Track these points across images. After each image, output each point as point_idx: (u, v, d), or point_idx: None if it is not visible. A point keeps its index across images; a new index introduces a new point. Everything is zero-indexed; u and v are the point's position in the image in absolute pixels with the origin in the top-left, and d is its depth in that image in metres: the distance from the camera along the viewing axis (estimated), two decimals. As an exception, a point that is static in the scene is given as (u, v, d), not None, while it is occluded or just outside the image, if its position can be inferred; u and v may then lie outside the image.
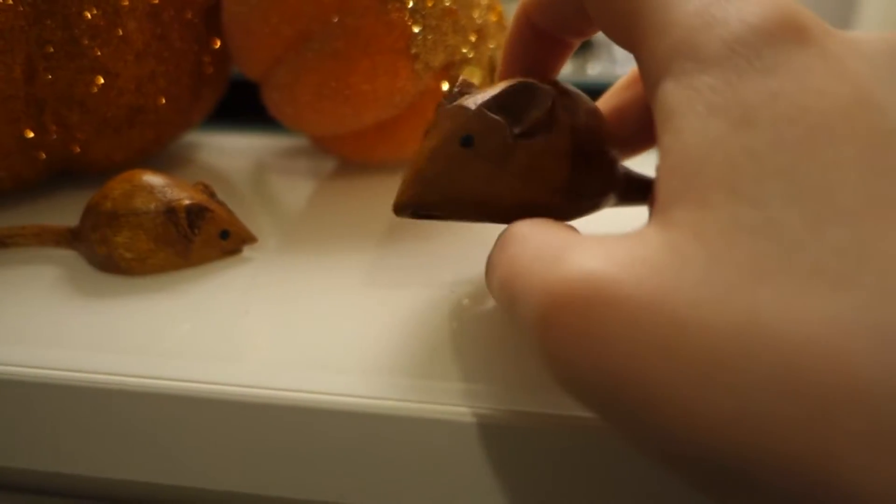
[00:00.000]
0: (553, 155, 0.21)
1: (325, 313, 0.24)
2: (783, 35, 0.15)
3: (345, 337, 0.23)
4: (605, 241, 0.15)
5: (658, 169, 0.16)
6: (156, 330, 0.23)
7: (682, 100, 0.15)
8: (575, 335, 0.14)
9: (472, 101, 0.21)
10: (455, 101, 0.22)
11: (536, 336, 0.14)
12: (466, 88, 0.22)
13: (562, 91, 0.22)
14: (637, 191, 0.25)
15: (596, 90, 0.44)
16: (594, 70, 0.48)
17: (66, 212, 0.32)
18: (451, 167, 0.21)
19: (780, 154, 0.14)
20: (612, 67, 0.48)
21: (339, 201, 0.34)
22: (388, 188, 0.35)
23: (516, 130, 0.21)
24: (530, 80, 0.21)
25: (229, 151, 0.41)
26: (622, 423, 0.14)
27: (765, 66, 0.14)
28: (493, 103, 0.21)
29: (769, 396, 0.12)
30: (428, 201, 0.21)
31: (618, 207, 0.25)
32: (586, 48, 0.55)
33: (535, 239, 0.17)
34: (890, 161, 0.13)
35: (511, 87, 0.21)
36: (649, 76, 0.16)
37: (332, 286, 0.26)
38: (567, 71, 0.47)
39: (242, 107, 0.44)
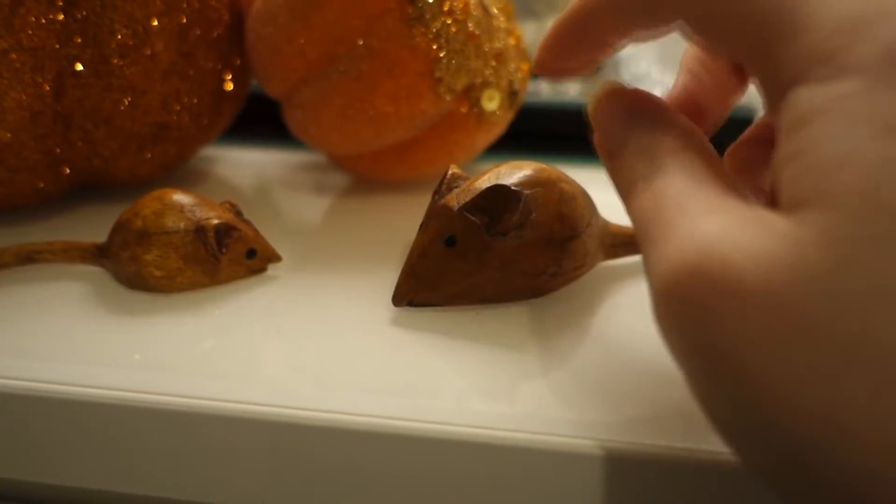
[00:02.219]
0: (528, 247, 0.25)
1: (350, 333, 0.25)
2: None
3: (371, 357, 0.23)
4: (741, 217, 0.15)
5: (780, 168, 0.15)
6: (184, 348, 0.24)
7: (820, 106, 0.15)
8: (694, 309, 0.14)
9: (457, 201, 0.25)
10: (445, 195, 0.26)
11: (658, 292, 0.16)
12: (455, 182, 0.26)
13: (537, 183, 0.25)
14: (623, 246, 0.28)
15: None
16: (603, 91, 0.48)
17: (87, 226, 0.32)
18: (438, 265, 0.25)
19: None
20: (621, 89, 0.49)
21: (357, 218, 0.34)
22: (405, 205, 0.35)
23: (492, 232, 0.24)
24: (504, 183, 0.24)
25: (245, 165, 0.41)
26: (714, 402, 0.15)
27: None
28: (472, 206, 0.25)
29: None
30: (420, 295, 0.26)
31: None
32: (595, 70, 0.55)
33: (686, 184, 0.17)
34: None
35: (488, 190, 0.24)
36: (776, 83, 0.16)
37: (355, 305, 0.26)
38: (575, 92, 0.48)
39: (256, 121, 0.44)
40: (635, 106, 0.21)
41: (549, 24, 0.54)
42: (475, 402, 0.21)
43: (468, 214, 0.25)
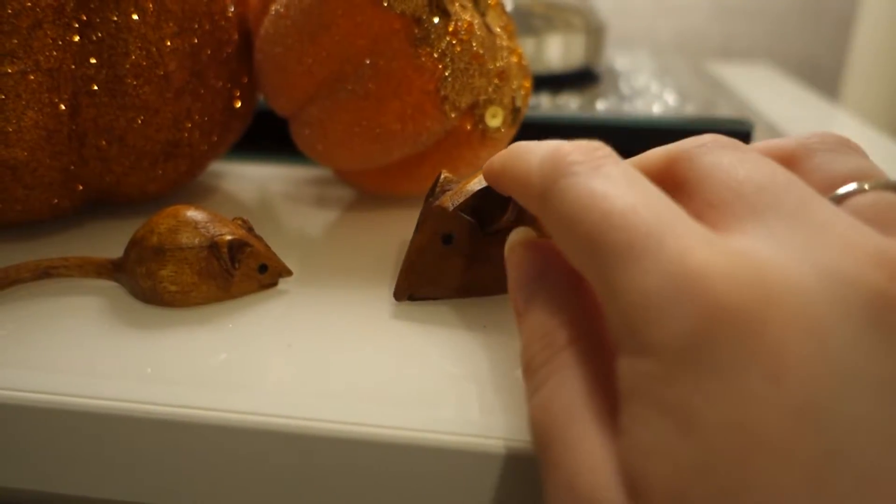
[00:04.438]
0: None
1: (360, 346, 0.25)
2: (729, 330, 0.14)
3: (379, 370, 0.24)
4: (601, 455, 0.16)
5: (619, 435, 0.16)
6: (198, 362, 0.24)
7: (631, 384, 0.15)
8: None
9: (451, 202, 0.27)
10: (438, 197, 0.27)
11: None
12: (447, 185, 0.28)
13: None
14: None
15: (604, 127, 0.45)
16: (602, 106, 0.49)
17: (99, 241, 0.33)
18: (436, 261, 0.27)
19: (721, 472, 0.14)
20: (620, 104, 0.49)
21: (359, 229, 0.35)
22: (409, 219, 0.36)
23: (487, 229, 0.26)
24: None
25: (251, 179, 0.42)
26: None
27: (708, 365, 0.14)
28: (466, 205, 0.26)
29: None
30: (420, 289, 0.28)
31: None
32: (594, 84, 0.56)
33: (569, 404, 0.18)
34: (832, 488, 0.13)
35: (481, 190, 0.26)
36: (610, 329, 0.17)
37: (364, 319, 0.27)
38: (575, 106, 0.49)
39: (262, 136, 0.45)
40: (544, 264, 0.22)
41: (548, 39, 0.55)
42: (476, 411, 0.22)
43: (463, 214, 0.26)
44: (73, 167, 0.31)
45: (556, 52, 0.56)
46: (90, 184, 0.32)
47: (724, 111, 0.48)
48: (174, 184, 0.35)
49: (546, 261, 0.22)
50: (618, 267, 0.16)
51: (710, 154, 0.19)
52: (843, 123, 0.61)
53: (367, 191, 0.39)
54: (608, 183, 0.17)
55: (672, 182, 0.20)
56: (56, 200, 0.32)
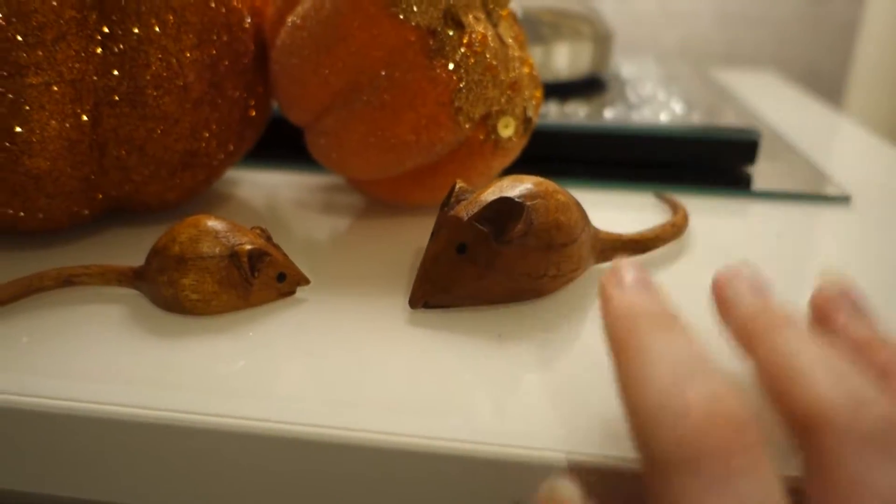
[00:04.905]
0: (531, 253, 0.27)
1: (377, 354, 0.26)
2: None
3: (397, 378, 0.24)
4: None
5: None
6: (219, 369, 0.25)
7: None
8: None
9: (466, 212, 0.27)
10: (453, 207, 0.28)
11: None
12: (462, 195, 0.29)
13: (536, 195, 0.27)
14: (611, 250, 0.32)
15: (612, 135, 0.46)
16: (610, 114, 0.50)
17: (116, 247, 0.34)
18: (450, 270, 0.28)
19: None
20: (628, 112, 0.50)
21: (372, 236, 0.36)
22: (422, 227, 0.37)
23: (500, 239, 0.27)
24: (508, 195, 0.27)
25: (265, 186, 0.43)
26: None
27: None
28: (480, 216, 0.27)
29: None
30: (435, 297, 0.29)
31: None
32: (601, 92, 0.57)
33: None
34: None
35: (494, 202, 0.27)
36: None
37: (380, 327, 0.27)
38: (583, 114, 0.49)
39: (274, 143, 0.46)
40: (656, 318, 0.19)
41: (556, 47, 0.56)
42: (487, 418, 0.22)
43: (477, 224, 0.27)
44: (93, 176, 0.31)
45: (564, 59, 0.56)
46: (109, 192, 0.33)
47: (730, 120, 0.49)
48: (191, 192, 0.36)
49: (663, 319, 0.19)
50: None
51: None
52: (848, 131, 0.62)
53: (380, 199, 0.40)
54: None
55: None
56: (76, 209, 0.32)
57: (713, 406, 0.15)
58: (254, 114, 0.37)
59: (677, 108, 0.51)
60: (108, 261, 0.33)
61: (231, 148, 0.36)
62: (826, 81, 0.95)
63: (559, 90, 0.56)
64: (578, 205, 0.30)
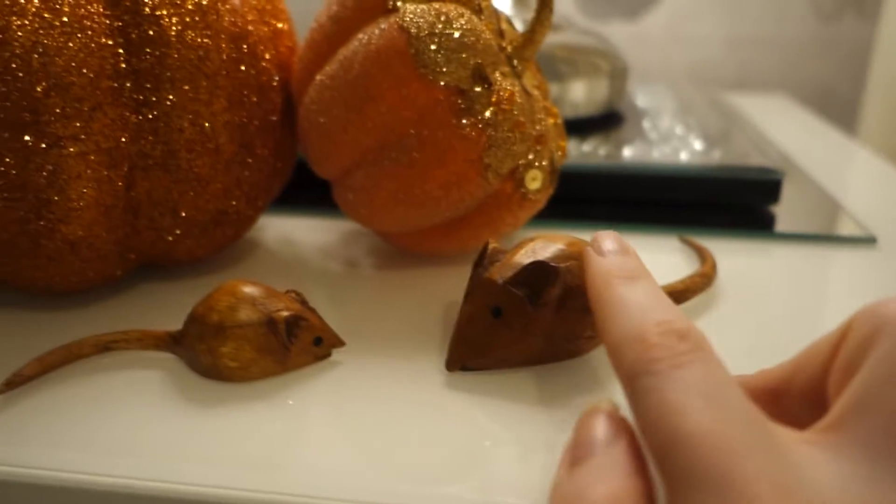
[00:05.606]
0: (566, 315, 0.27)
1: (414, 422, 0.26)
2: None
3: (436, 445, 0.24)
4: None
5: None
6: (257, 441, 0.25)
7: None
8: None
9: (500, 275, 0.28)
10: (487, 269, 0.28)
11: None
12: (495, 256, 0.29)
13: (569, 256, 0.27)
14: None
15: (633, 176, 0.46)
16: (629, 152, 0.50)
17: (147, 303, 0.34)
18: (486, 333, 0.28)
19: None
20: (647, 150, 0.50)
21: (406, 289, 0.36)
22: (449, 277, 0.37)
23: (535, 303, 0.27)
24: (542, 259, 0.27)
25: (288, 232, 0.43)
26: None
27: None
28: (515, 281, 0.27)
29: None
30: (471, 360, 0.29)
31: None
32: (619, 126, 0.57)
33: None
34: None
35: (528, 266, 0.27)
36: None
37: (417, 391, 0.28)
38: (603, 153, 0.50)
39: (298, 188, 0.46)
40: (615, 433, 0.21)
41: (573, 84, 0.56)
42: (536, 485, 0.22)
43: (512, 289, 0.27)
44: (126, 238, 0.32)
45: (581, 96, 0.56)
46: (142, 251, 0.33)
47: (752, 156, 0.49)
48: (220, 247, 0.36)
49: (619, 431, 0.21)
50: (679, 492, 0.16)
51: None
52: (865, 162, 0.62)
53: (407, 250, 0.40)
54: (684, 394, 0.17)
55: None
56: (109, 270, 0.32)
57: (663, 327, 0.19)
58: (280, 165, 0.38)
59: (696, 144, 0.52)
60: (139, 316, 0.33)
61: (260, 203, 0.36)
62: (839, 103, 0.95)
63: (577, 126, 0.56)
64: None
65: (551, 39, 0.58)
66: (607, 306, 0.22)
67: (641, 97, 0.69)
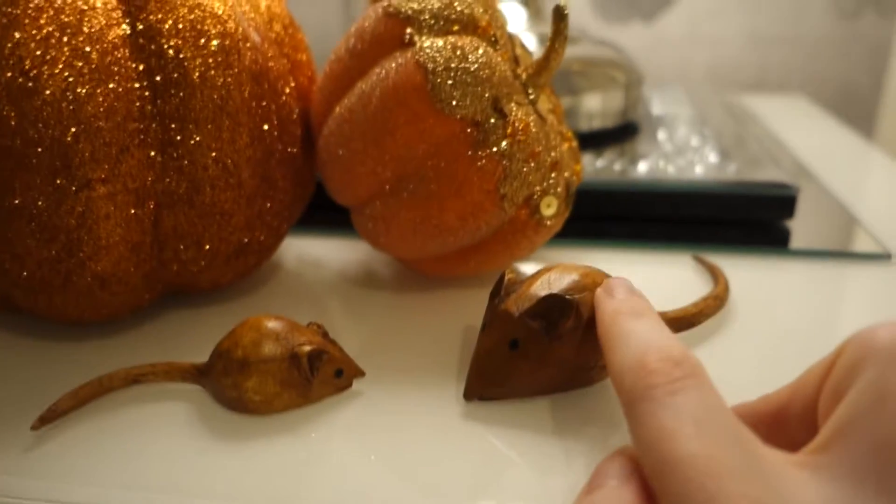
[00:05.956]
0: (580, 345, 0.28)
1: (434, 453, 0.27)
2: None
3: (455, 477, 0.25)
4: None
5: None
6: (283, 473, 0.26)
7: None
8: None
9: (517, 307, 0.28)
10: (503, 300, 0.29)
11: None
12: (512, 287, 0.30)
13: (584, 287, 0.28)
14: None
15: (648, 192, 0.46)
16: (644, 167, 0.50)
17: (172, 330, 0.35)
18: (503, 364, 0.29)
19: None
20: (661, 164, 0.50)
21: (422, 314, 0.37)
22: (465, 300, 0.38)
23: (551, 335, 0.28)
24: (556, 291, 0.28)
25: (305, 253, 0.44)
26: None
27: None
28: (531, 313, 0.28)
29: None
30: (488, 391, 0.30)
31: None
32: (634, 138, 0.57)
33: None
34: None
35: (544, 299, 0.28)
36: None
37: (436, 421, 0.28)
38: (617, 169, 0.50)
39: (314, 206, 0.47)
40: (628, 472, 0.22)
41: (587, 98, 0.57)
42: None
43: (529, 321, 0.28)
44: (153, 271, 0.33)
45: (597, 109, 0.57)
46: (167, 281, 0.34)
47: (767, 169, 0.49)
48: (243, 276, 0.37)
49: (635, 471, 0.21)
50: None
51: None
52: (880, 165, 0.62)
53: (425, 274, 0.41)
54: (677, 420, 0.19)
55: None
56: (137, 302, 0.34)
57: (661, 354, 0.21)
58: (301, 191, 0.39)
59: (712, 156, 0.52)
60: (164, 344, 0.34)
61: (281, 231, 0.37)
62: (859, 101, 0.95)
63: (592, 139, 0.56)
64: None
65: (566, 53, 0.58)
66: (613, 338, 0.24)
67: (657, 103, 0.69)
